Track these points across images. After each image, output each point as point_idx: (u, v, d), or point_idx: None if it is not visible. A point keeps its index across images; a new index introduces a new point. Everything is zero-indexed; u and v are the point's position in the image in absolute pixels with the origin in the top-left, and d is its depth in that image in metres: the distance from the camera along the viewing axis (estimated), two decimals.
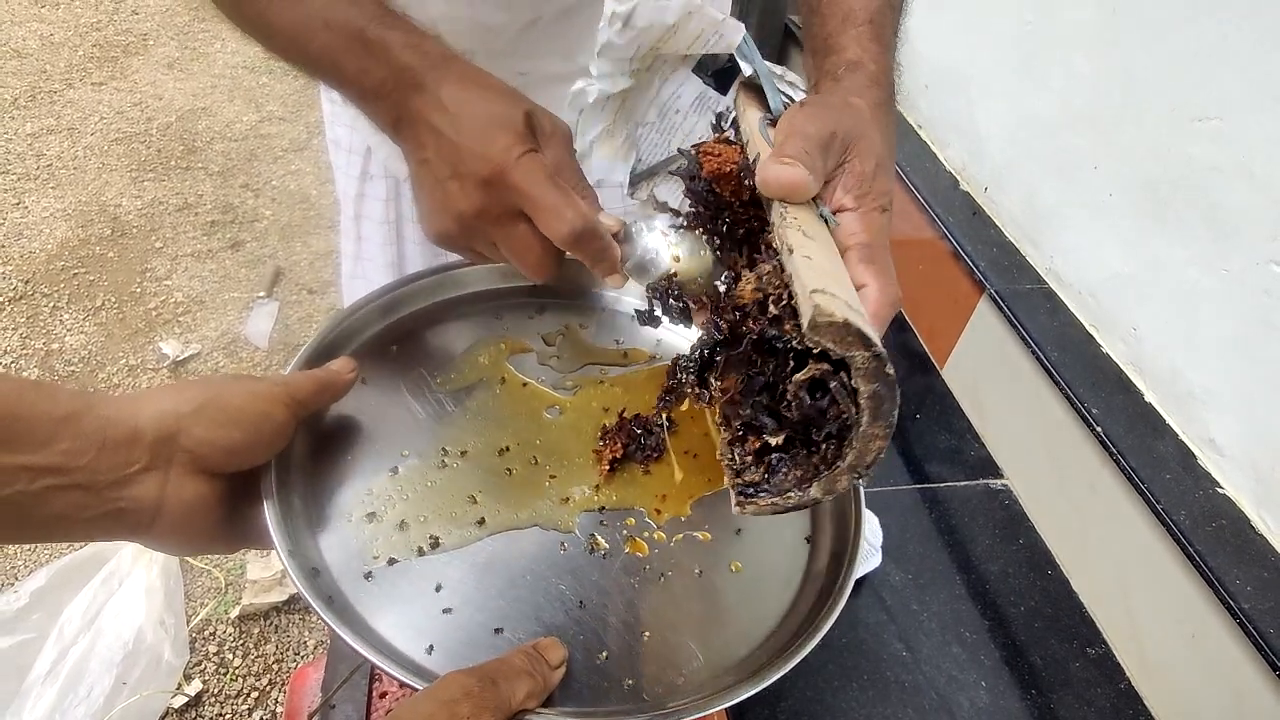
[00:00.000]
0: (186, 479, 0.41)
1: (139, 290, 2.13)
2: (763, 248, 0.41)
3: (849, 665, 0.76)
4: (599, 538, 0.50)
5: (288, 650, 1.40)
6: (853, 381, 0.33)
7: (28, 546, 1.48)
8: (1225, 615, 0.66)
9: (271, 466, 0.46)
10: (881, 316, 0.38)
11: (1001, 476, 0.97)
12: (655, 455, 0.55)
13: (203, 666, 1.37)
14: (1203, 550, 0.69)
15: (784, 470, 0.38)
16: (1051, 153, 0.99)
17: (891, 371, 0.32)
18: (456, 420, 0.55)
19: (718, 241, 0.49)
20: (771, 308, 0.37)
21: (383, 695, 0.60)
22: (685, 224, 0.50)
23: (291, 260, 2.29)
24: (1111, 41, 0.87)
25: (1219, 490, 0.74)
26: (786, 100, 0.46)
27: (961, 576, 0.86)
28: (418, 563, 0.47)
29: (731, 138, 0.48)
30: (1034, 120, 1.02)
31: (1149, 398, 0.83)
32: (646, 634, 0.46)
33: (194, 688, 1.32)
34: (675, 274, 0.49)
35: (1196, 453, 0.77)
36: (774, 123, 0.45)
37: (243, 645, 1.40)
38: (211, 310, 2.11)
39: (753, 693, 0.41)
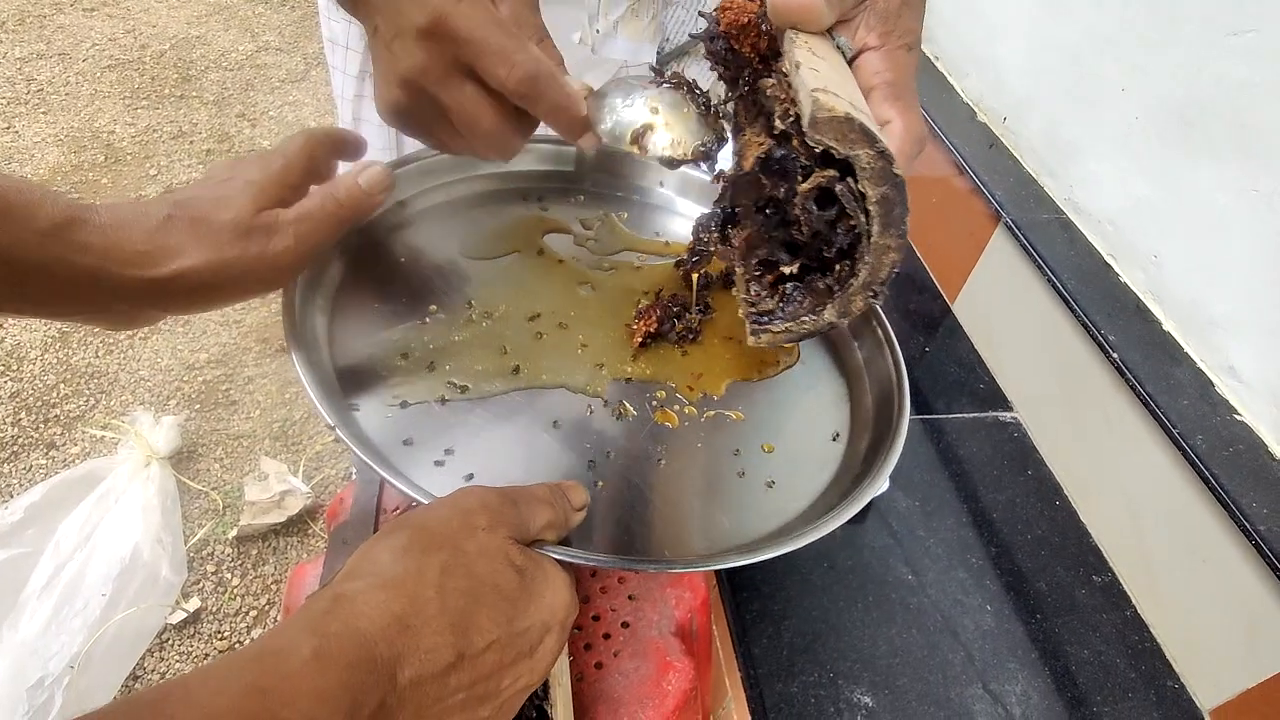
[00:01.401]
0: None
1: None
2: (772, 71, 0.39)
3: (855, 587, 0.75)
4: (627, 404, 0.49)
5: (285, 570, 1.41)
6: (859, 185, 0.31)
7: (21, 465, 1.48)
8: (1240, 539, 0.65)
9: (296, 285, 0.44)
10: (906, 153, 0.36)
11: (1011, 409, 0.96)
12: (691, 337, 0.53)
13: (201, 585, 1.37)
14: (1219, 475, 0.68)
15: (798, 297, 0.37)
16: (1074, 80, 0.95)
17: (900, 173, 0.31)
18: (487, 284, 0.54)
19: (734, 108, 0.46)
20: (778, 123, 0.35)
21: None
22: (669, 83, 0.46)
23: None
24: None
25: (1237, 417, 0.73)
26: None
27: (968, 505, 0.85)
28: (439, 409, 0.46)
29: None
30: (1056, 47, 0.98)
31: (1167, 326, 0.81)
32: (671, 497, 0.45)
33: (192, 604, 1.32)
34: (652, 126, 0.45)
35: (1215, 380, 0.76)
36: None
37: (241, 565, 1.40)
38: None
39: (778, 554, 0.40)
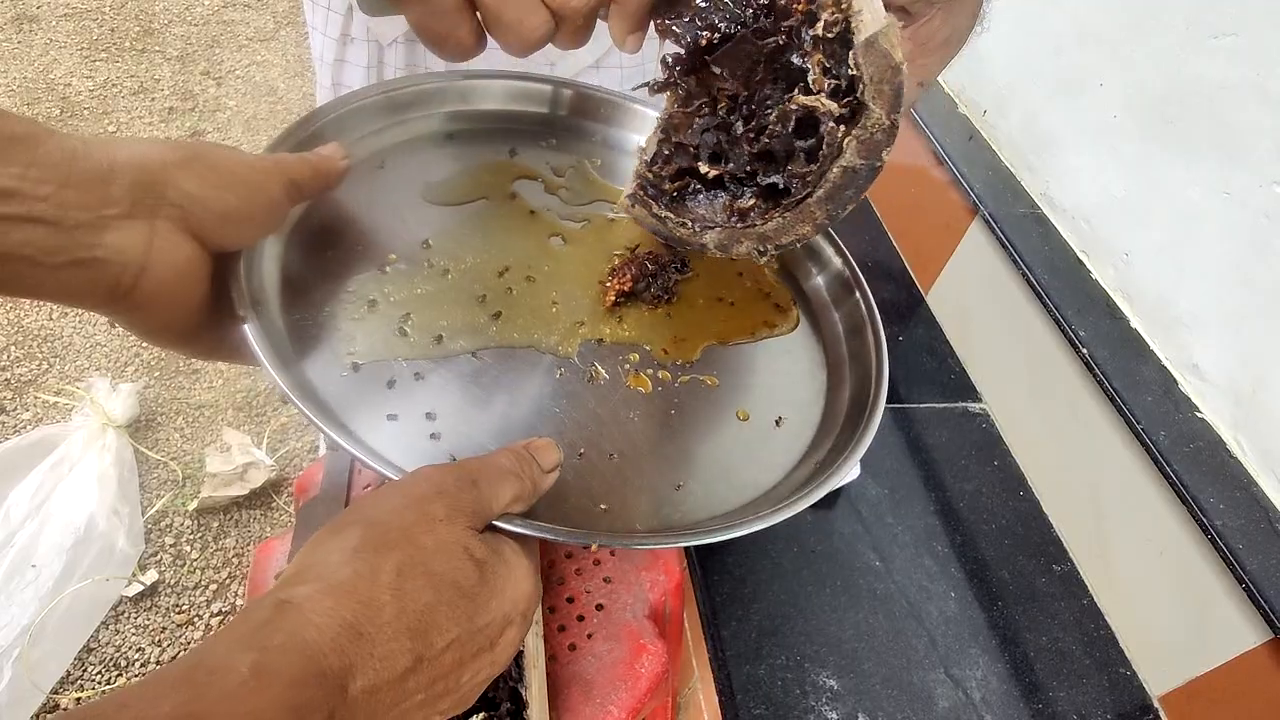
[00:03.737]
0: (176, 237, 0.35)
1: None
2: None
3: (823, 572, 0.76)
4: (599, 367, 0.47)
5: (247, 544, 1.38)
6: (845, 139, 0.28)
7: None
8: (1196, 532, 0.67)
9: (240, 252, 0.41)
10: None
11: (980, 400, 0.97)
12: (666, 298, 0.51)
13: (159, 558, 1.35)
14: (1179, 470, 0.70)
15: (695, 201, 0.35)
16: (1056, 73, 0.96)
17: (885, 157, 0.29)
18: (451, 233, 0.51)
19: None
20: (819, 28, 0.31)
21: None
22: None
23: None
24: None
25: (1198, 414, 0.74)
26: None
27: (936, 494, 0.86)
28: (400, 368, 0.44)
29: None
30: (1039, 39, 0.99)
31: (1135, 323, 0.83)
32: (643, 467, 0.44)
33: (149, 577, 1.29)
34: None
35: (1178, 377, 0.77)
36: None
37: (201, 538, 1.38)
38: None
39: (752, 530, 0.40)
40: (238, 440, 1.45)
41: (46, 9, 2.47)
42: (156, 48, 2.45)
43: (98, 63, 2.34)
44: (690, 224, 0.34)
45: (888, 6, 0.34)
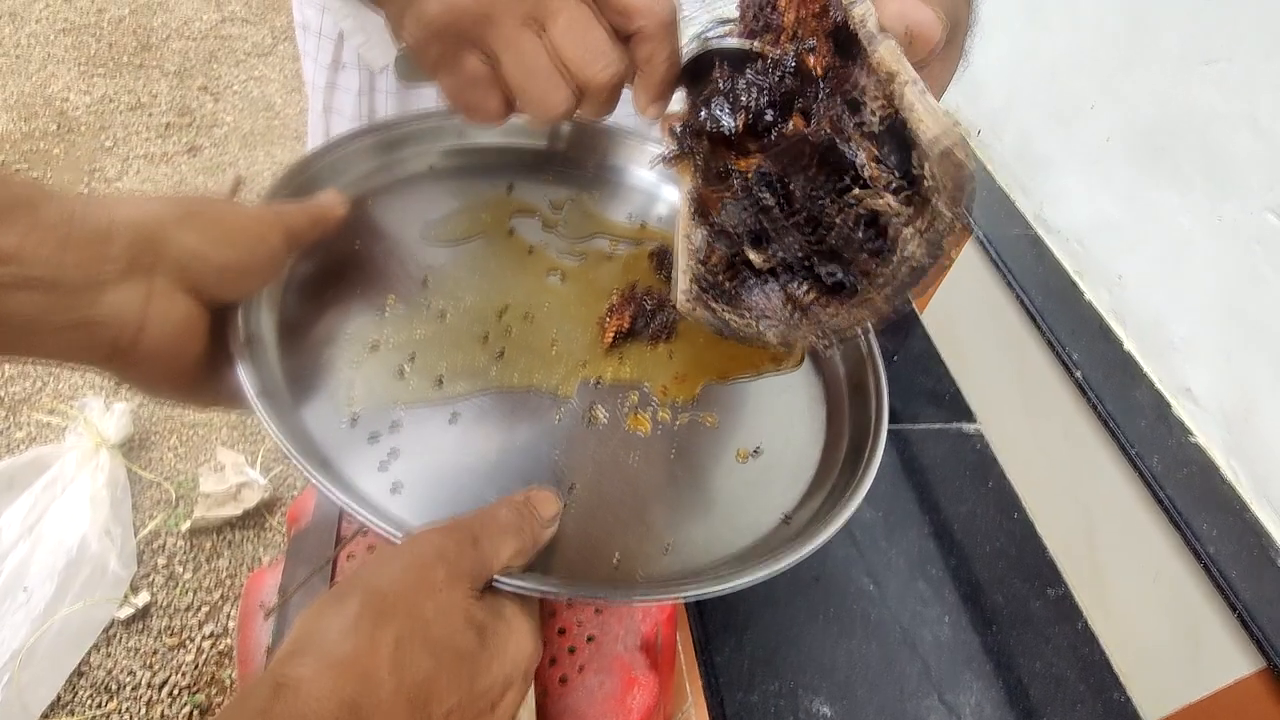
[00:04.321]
0: (174, 294, 0.35)
1: (87, 190, 2.02)
2: (860, 64, 0.34)
3: (816, 599, 0.76)
4: (599, 409, 0.47)
5: (241, 565, 1.38)
6: (917, 226, 0.27)
7: None
8: (1190, 558, 0.67)
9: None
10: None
11: (975, 421, 0.97)
12: (665, 335, 0.51)
13: (151, 579, 1.34)
14: (1172, 495, 0.70)
15: (752, 293, 0.34)
16: (1050, 97, 0.97)
17: (954, 256, 0.28)
18: (450, 273, 0.51)
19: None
20: (871, 118, 0.30)
21: None
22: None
23: (253, 170, 2.19)
24: None
25: (1191, 439, 0.74)
26: None
27: (930, 516, 0.86)
28: (400, 414, 0.44)
29: None
30: (1034, 62, 0.99)
31: (1128, 346, 0.83)
32: (643, 513, 0.43)
33: (142, 599, 1.29)
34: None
35: (1171, 401, 0.77)
36: None
37: (194, 559, 1.37)
38: None
39: (752, 581, 0.40)
40: (231, 460, 1.45)
41: (45, 23, 2.48)
42: (154, 63, 2.46)
43: (95, 78, 2.35)
44: (751, 319, 0.33)
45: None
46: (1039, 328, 0.86)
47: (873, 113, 0.30)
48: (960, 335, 1.04)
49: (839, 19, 0.36)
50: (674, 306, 0.50)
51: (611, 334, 0.50)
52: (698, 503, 0.45)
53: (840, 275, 0.31)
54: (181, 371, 0.37)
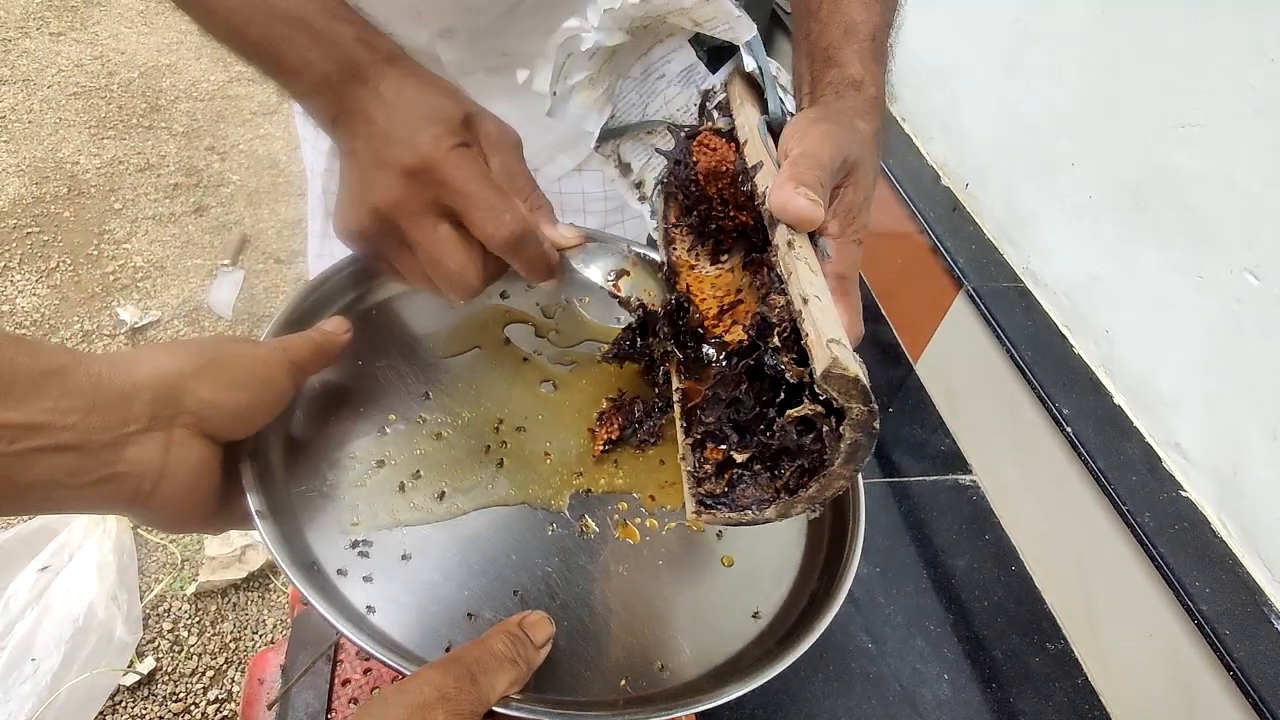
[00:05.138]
0: (191, 441, 0.38)
1: (95, 252, 2.06)
2: (765, 269, 0.40)
3: (815, 657, 0.76)
4: (589, 520, 0.48)
5: (245, 629, 1.38)
6: (840, 428, 0.33)
7: None
8: (1183, 616, 0.67)
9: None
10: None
11: (970, 472, 0.98)
12: (653, 440, 0.53)
13: (156, 644, 1.34)
14: (1165, 552, 0.70)
15: (744, 487, 0.38)
16: (1033, 152, 0.99)
17: (877, 427, 0.33)
18: (447, 388, 0.53)
19: (687, 232, 0.48)
20: (775, 339, 0.36)
21: (344, 682, 0.59)
22: (645, 260, 0.51)
23: (258, 228, 2.23)
24: (1099, 43, 0.87)
25: (1182, 494, 0.75)
26: (784, 107, 0.45)
27: (927, 570, 0.86)
28: (397, 534, 0.45)
29: (722, 127, 0.47)
30: (1018, 119, 1.02)
31: (1118, 400, 0.84)
32: (632, 624, 0.45)
33: (147, 665, 1.29)
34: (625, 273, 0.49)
35: (1162, 456, 0.78)
36: (772, 127, 0.43)
37: (199, 623, 1.37)
38: (173, 276, 2.05)
39: (742, 693, 0.41)
40: None
41: (57, 88, 2.55)
42: (163, 124, 2.52)
43: (105, 140, 2.40)
44: (753, 509, 0.37)
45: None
46: (1028, 381, 0.87)
47: (781, 332, 0.36)
48: (954, 386, 1.05)
49: (746, 189, 0.43)
50: (660, 409, 0.52)
51: (601, 443, 0.52)
52: (686, 613, 0.47)
53: (803, 463, 0.36)
54: (198, 506, 0.40)
